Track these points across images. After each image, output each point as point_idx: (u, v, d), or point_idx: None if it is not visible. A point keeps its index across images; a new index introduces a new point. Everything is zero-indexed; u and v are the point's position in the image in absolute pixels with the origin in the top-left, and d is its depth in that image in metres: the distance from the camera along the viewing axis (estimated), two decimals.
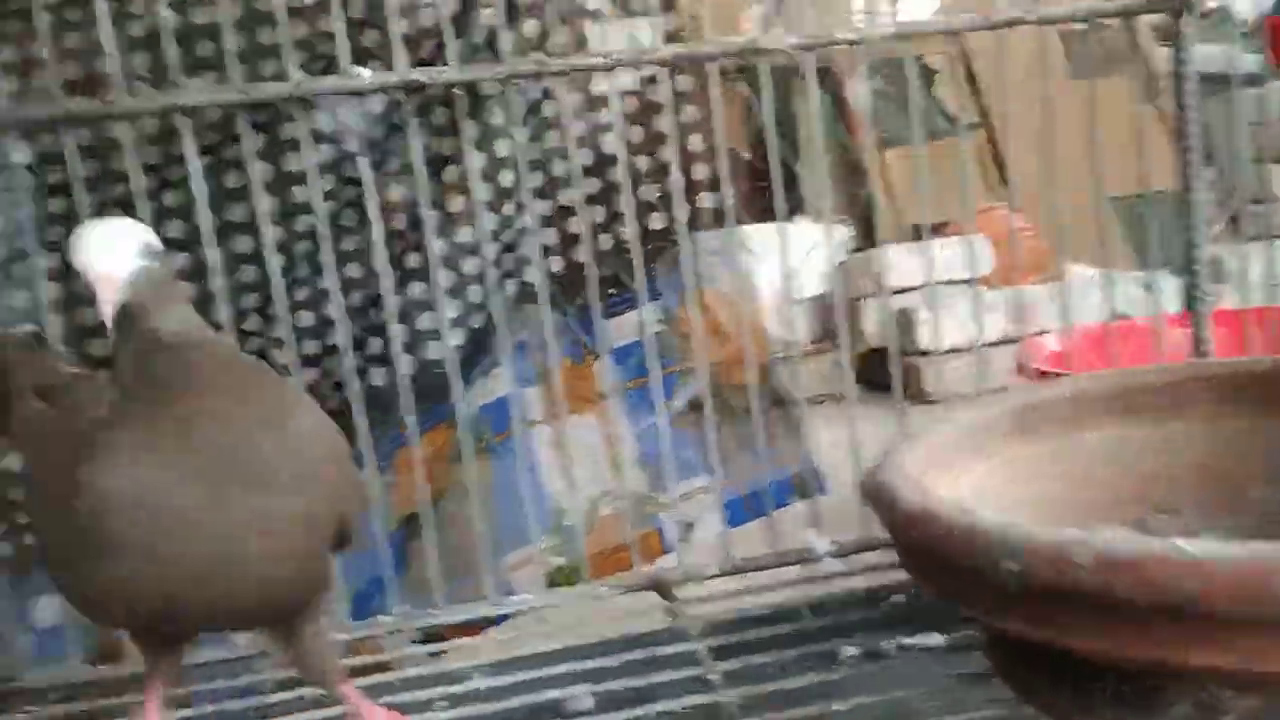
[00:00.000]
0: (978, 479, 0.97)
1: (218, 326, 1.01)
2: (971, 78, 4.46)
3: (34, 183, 1.07)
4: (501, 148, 1.35)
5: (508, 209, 1.39)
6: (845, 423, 1.26)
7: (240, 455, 0.71)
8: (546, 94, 1.36)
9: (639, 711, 0.95)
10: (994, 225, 4.09)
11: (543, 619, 1.30)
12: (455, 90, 1.11)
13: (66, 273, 1.25)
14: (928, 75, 4.41)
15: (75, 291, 1.12)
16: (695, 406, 1.52)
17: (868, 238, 4.43)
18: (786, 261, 1.55)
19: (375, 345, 1.36)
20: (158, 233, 0.76)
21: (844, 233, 4.30)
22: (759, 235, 1.83)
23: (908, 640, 1.11)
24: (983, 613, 0.74)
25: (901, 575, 1.22)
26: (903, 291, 3.67)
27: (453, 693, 1.03)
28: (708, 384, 1.30)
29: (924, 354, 3.74)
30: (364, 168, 1.06)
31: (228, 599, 0.75)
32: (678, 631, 1.08)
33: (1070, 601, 0.66)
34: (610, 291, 1.49)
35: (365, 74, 1.05)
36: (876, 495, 0.80)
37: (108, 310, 0.72)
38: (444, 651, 1.23)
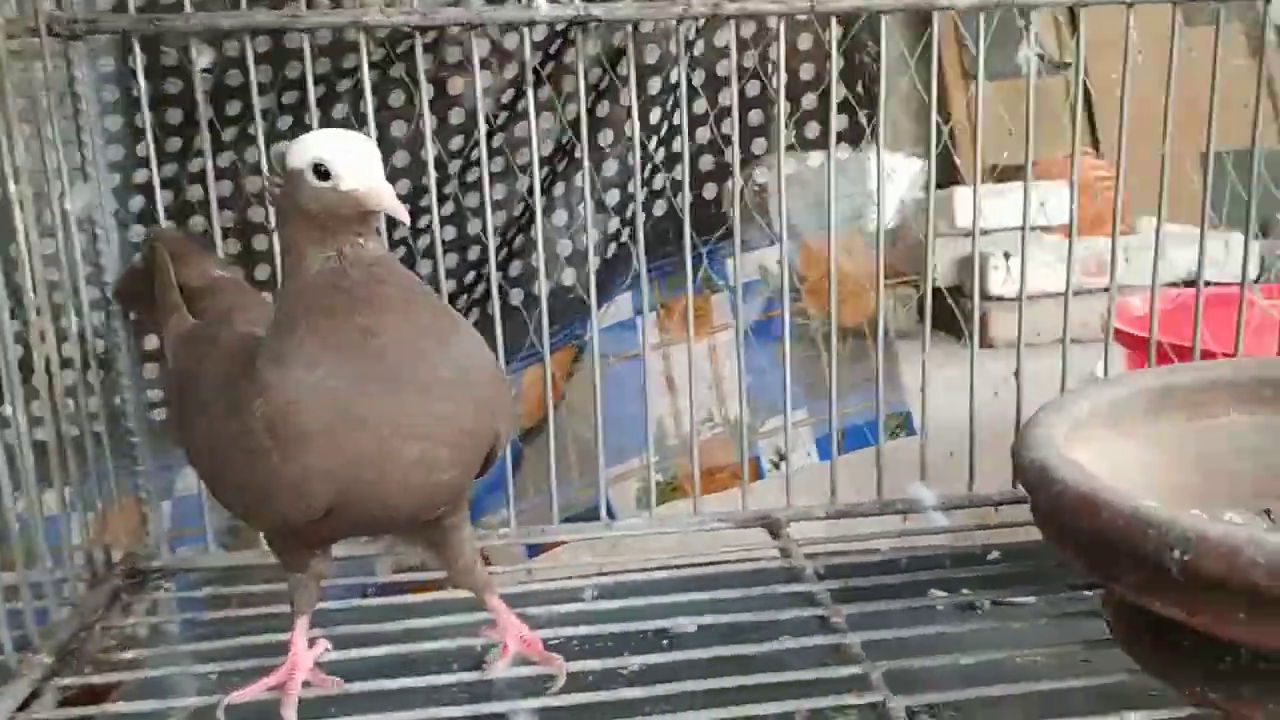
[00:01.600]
0: (1114, 456, 1.00)
1: None
2: (1073, 14, 4.34)
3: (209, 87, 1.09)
4: (653, 84, 1.37)
5: (651, 145, 1.41)
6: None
7: (417, 367, 0.76)
8: (698, 33, 1.37)
9: (765, 647, 0.99)
10: (1077, 172, 4.04)
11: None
12: (626, 25, 1.11)
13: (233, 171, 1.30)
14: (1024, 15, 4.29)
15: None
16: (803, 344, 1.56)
17: (947, 174, 4.35)
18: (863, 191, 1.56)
19: (515, 268, 1.40)
20: None
21: (917, 166, 4.24)
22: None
23: (1004, 598, 1.16)
24: (1133, 591, 0.77)
25: (1001, 534, 1.28)
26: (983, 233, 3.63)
27: (566, 612, 1.07)
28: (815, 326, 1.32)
29: (995, 299, 3.71)
30: (530, 95, 1.07)
31: (397, 495, 0.80)
32: (794, 571, 1.12)
33: (1233, 594, 0.69)
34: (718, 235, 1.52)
35: (542, 4, 1.06)
36: (1038, 473, 0.84)
37: (404, 213, 0.76)
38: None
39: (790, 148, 1.50)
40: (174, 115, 1.29)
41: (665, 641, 1.12)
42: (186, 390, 0.88)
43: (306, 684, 0.92)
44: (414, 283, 0.82)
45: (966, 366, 1.36)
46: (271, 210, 0.89)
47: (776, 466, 1.54)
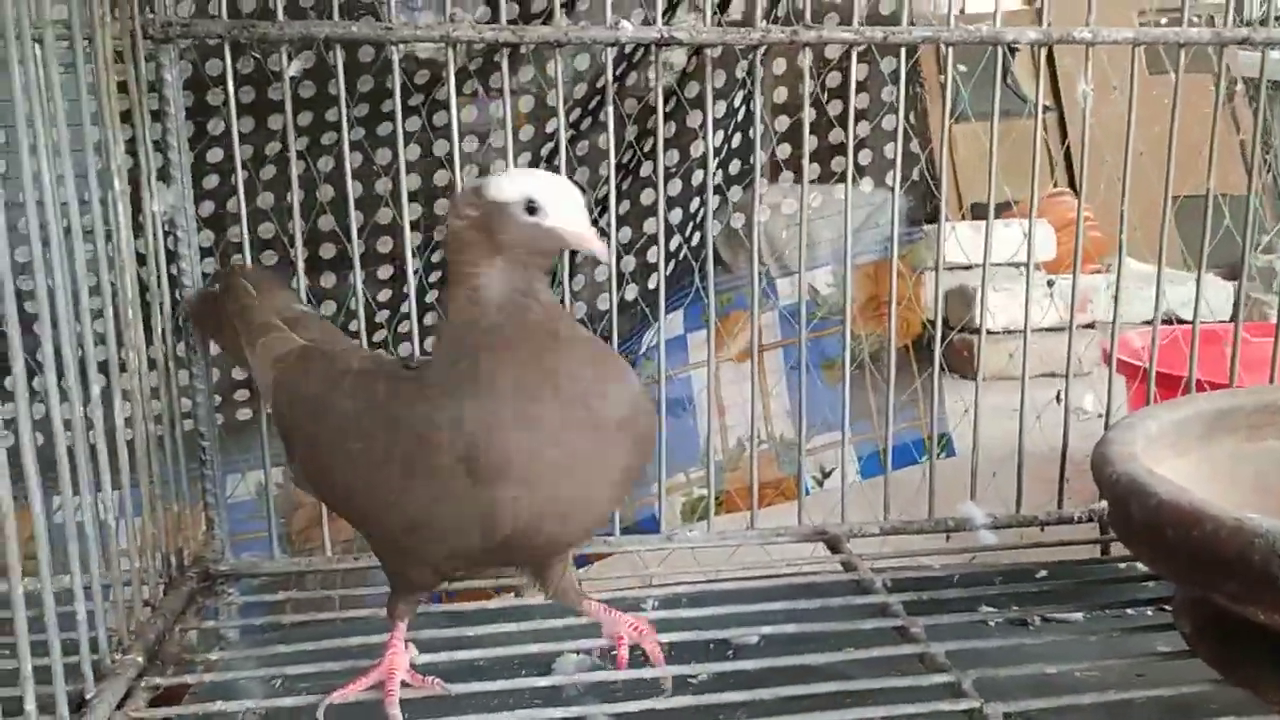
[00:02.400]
0: (1178, 475, 1.03)
1: None
2: (1051, 60, 4.47)
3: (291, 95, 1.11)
4: (719, 108, 1.40)
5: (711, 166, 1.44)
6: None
7: (602, 407, 0.80)
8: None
9: (841, 655, 1.02)
10: (1057, 212, 4.13)
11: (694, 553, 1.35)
12: (703, 50, 1.15)
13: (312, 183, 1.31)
14: (1007, 52, 4.42)
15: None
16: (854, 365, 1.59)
17: (929, 212, 4.44)
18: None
19: (577, 282, 1.42)
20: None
21: (902, 203, 4.32)
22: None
23: (1053, 614, 1.19)
24: (1233, 600, 0.81)
25: (1046, 553, 1.32)
26: (963, 269, 3.71)
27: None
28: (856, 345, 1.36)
29: (978, 332, 3.79)
30: (610, 111, 1.11)
31: (573, 530, 0.85)
32: (864, 584, 1.14)
33: None
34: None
35: (628, 26, 1.09)
36: (1128, 487, 0.87)
37: (604, 252, 0.83)
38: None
39: (820, 179, 1.55)
40: (246, 123, 1.30)
41: (730, 652, 1.15)
42: (320, 417, 0.89)
43: (405, 684, 0.92)
44: (578, 325, 0.88)
45: (965, 396, 1.42)
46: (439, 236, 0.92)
47: (820, 484, 1.57)
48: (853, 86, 1.17)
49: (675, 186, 1.44)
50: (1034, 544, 1.31)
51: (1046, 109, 4.53)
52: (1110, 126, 1.33)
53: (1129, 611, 1.15)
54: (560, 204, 0.80)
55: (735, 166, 1.49)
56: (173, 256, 1.12)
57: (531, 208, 0.80)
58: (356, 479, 0.85)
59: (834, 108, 1.36)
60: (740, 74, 1.18)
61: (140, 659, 0.94)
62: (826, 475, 1.58)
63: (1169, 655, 0.98)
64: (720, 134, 1.44)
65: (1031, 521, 1.32)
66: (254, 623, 1.14)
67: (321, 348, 0.96)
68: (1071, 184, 4.60)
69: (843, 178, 1.39)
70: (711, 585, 1.23)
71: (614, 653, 0.97)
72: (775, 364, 1.57)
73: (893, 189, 1.28)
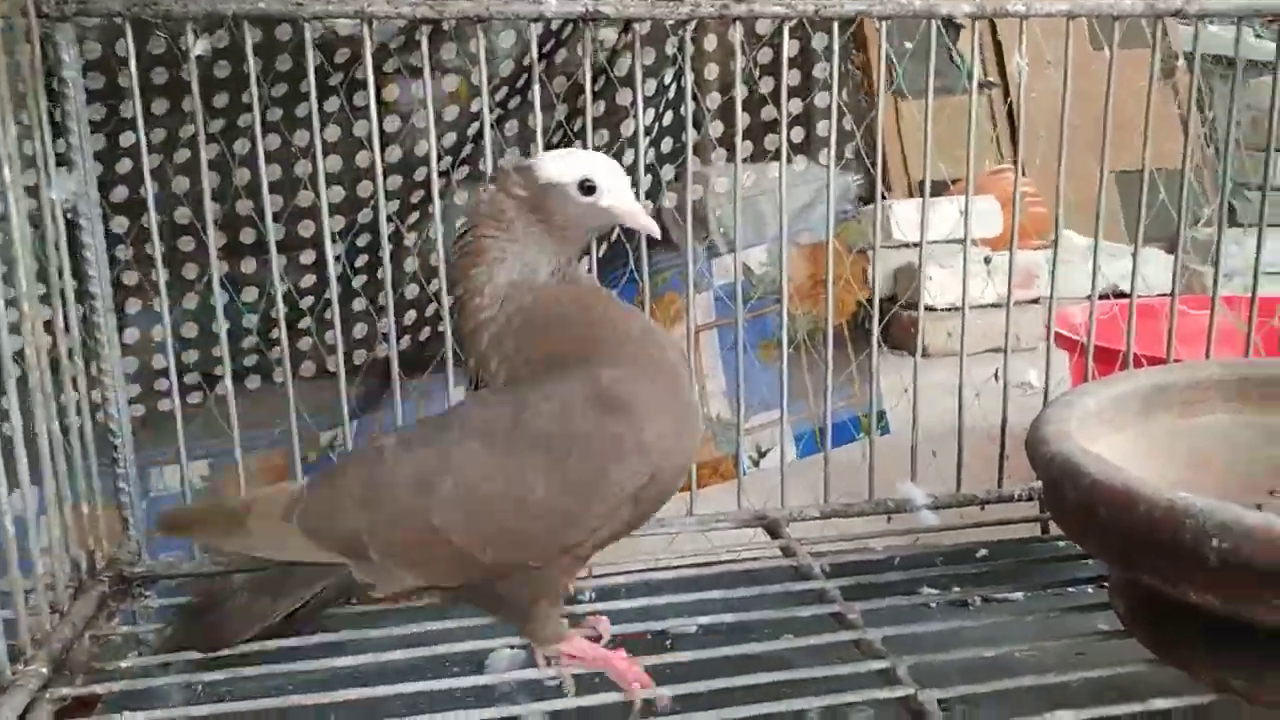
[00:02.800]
0: (1114, 451, 1.02)
1: None
2: (994, 34, 4.48)
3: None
4: (649, 86, 1.37)
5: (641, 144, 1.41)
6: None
7: (675, 362, 0.88)
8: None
9: (782, 644, 1.00)
10: (1001, 187, 4.14)
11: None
12: (631, 25, 1.11)
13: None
14: (952, 30, 4.43)
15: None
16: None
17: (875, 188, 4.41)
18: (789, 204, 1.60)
19: None
20: None
21: (851, 181, 4.33)
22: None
23: (994, 595, 1.19)
24: (1165, 580, 0.80)
25: (986, 533, 1.31)
26: (909, 246, 3.72)
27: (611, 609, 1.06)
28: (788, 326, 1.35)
29: (928, 309, 3.79)
30: (536, 90, 1.07)
31: (676, 480, 0.89)
32: (802, 569, 1.13)
33: (1271, 579, 0.72)
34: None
35: (553, 1, 1.05)
36: (1062, 467, 0.86)
37: (656, 230, 0.86)
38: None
39: (753, 157, 1.53)
40: (160, 105, 1.25)
41: (668, 642, 1.13)
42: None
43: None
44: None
45: (905, 374, 1.42)
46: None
47: (756, 464, 1.55)
48: (784, 62, 1.14)
49: None
50: (974, 524, 1.30)
51: (991, 84, 4.54)
52: (1049, 102, 1.31)
53: (1069, 590, 1.14)
54: (614, 183, 0.84)
55: (668, 144, 1.46)
56: (78, 245, 1.07)
57: (588, 187, 0.83)
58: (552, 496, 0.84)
59: (766, 84, 1.33)
60: (671, 50, 1.14)
61: (44, 669, 0.90)
62: (763, 455, 1.57)
63: (1107, 635, 0.97)
64: (651, 112, 1.41)
65: (972, 501, 1.31)
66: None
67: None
68: (1017, 160, 4.64)
69: (776, 155, 1.37)
70: (650, 574, 1.20)
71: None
72: (711, 345, 1.55)
73: (827, 166, 1.25)
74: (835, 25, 1.15)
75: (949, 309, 3.95)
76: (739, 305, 1.18)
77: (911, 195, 4.28)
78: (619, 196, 0.85)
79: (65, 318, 1.04)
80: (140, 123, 1.05)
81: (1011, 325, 1.40)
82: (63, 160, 1.05)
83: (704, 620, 1.07)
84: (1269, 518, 0.72)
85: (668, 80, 1.41)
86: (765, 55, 1.37)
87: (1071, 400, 1.01)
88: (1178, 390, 1.09)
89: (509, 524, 0.84)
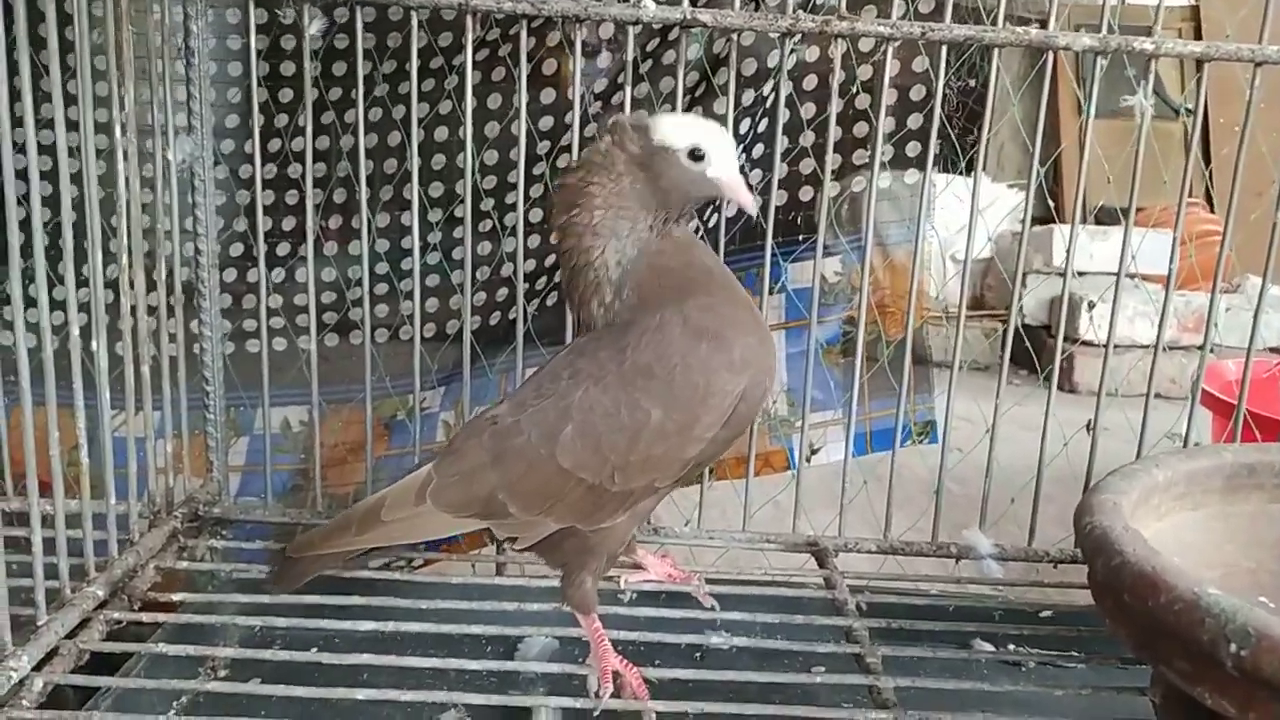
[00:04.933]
0: (1183, 530, 0.96)
1: None
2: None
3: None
4: (746, 96, 1.37)
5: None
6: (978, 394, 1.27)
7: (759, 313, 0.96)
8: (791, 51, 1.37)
9: (799, 677, 0.99)
10: (1187, 223, 3.89)
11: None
12: (731, 35, 1.10)
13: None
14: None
15: None
16: (846, 351, 1.59)
17: (1048, 209, 4.23)
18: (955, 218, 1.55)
19: None
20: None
21: (1018, 199, 4.16)
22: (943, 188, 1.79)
23: (1051, 660, 1.12)
24: (1182, 679, 0.74)
25: (1053, 593, 1.25)
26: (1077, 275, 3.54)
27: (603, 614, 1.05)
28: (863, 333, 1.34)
29: (1083, 343, 3.62)
30: (627, 89, 1.08)
31: (750, 416, 0.93)
32: (837, 603, 1.10)
33: None
34: (800, 237, 1.53)
35: (650, 5, 1.06)
36: (1097, 541, 0.81)
37: (753, 206, 0.89)
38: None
39: (885, 165, 1.49)
40: (288, 69, 1.33)
41: (698, 655, 1.12)
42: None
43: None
44: None
45: (1043, 407, 1.31)
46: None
47: (808, 460, 1.56)
48: (886, 80, 1.11)
49: None
50: (1047, 584, 1.24)
51: (1188, 111, 4.25)
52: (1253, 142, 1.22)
53: (1121, 668, 1.07)
54: (723, 155, 0.86)
55: (758, 150, 1.46)
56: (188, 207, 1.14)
57: (697, 155, 0.86)
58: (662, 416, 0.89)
59: (863, 100, 1.30)
60: (774, 62, 1.13)
61: (100, 592, 0.97)
62: (815, 452, 1.57)
63: None
64: (747, 121, 1.40)
65: (1043, 557, 1.24)
66: (240, 567, 1.16)
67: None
68: (1209, 197, 4.32)
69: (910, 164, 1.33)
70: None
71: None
72: (779, 344, 1.56)
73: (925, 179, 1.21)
74: (944, 48, 1.11)
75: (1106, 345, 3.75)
76: (813, 309, 1.18)
77: (1086, 223, 4.08)
78: (725, 169, 0.87)
79: (171, 256, 1.12)
80: (254, 88, 1.12)
81: (1173, 371, 1.32)
82: (184, 123, 1.13)
83: (739, 641, 1.06)
84: None
85: (766, 91, 1.40)
86: (866, 71, 1.35)
87: (1137, 470, 0.94)
88: (1272, 472, 1.00)
89: (632, 451, 0.89)
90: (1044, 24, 1.11)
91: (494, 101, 1.39)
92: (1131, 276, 1.68)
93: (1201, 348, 1.31)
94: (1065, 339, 2.68)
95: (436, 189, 1.44)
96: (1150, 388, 1.32)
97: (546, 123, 1.41)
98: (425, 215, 1.43)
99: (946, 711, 0.91)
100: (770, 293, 1.50)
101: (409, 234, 1.15)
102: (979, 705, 0.96)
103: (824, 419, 1.56)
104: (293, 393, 1.34)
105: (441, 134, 1.39)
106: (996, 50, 1.11)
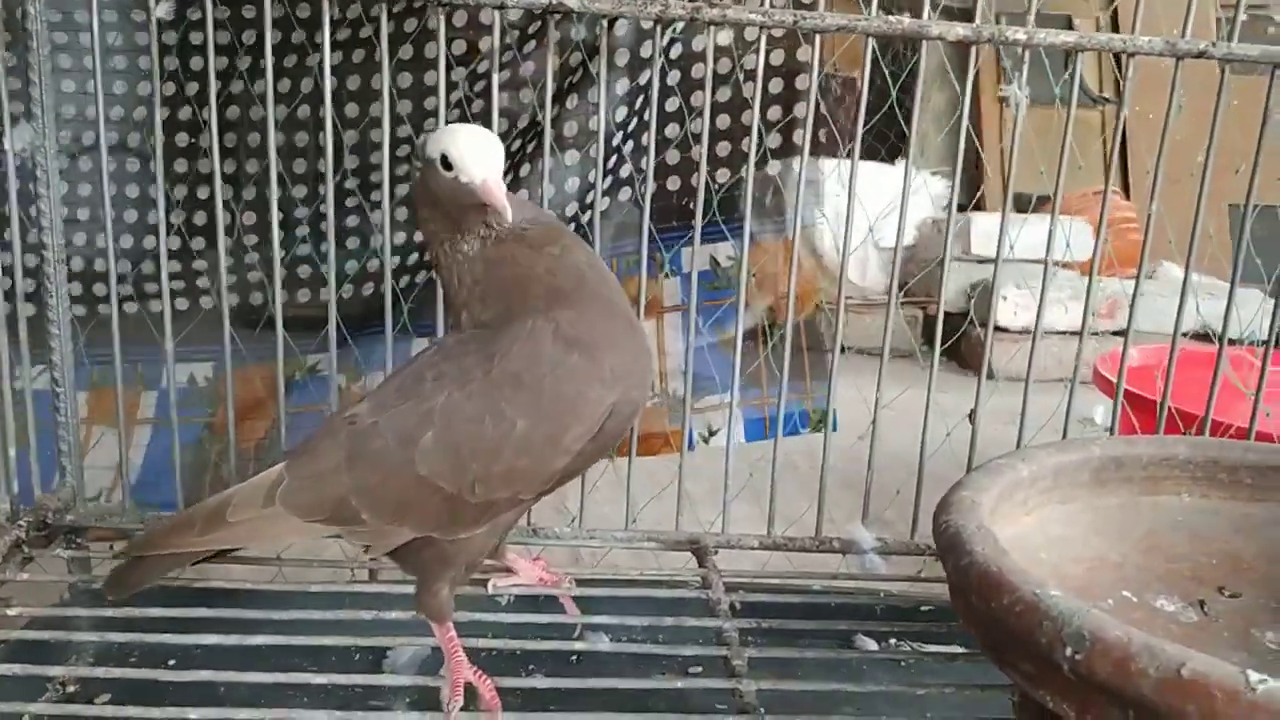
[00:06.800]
0: (1050, 524, 0.95)
1: None
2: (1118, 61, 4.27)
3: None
4: (621, 85, 1.34)
5: (617, 138, 1.39)
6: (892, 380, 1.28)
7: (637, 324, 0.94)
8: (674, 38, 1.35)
9: (672, 682, 0.97)
10: (1098, 210, 3.96)
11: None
12: (601, 21, 1.07)
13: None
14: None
15: None
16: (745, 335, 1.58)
17: (971, 197, 4.25)
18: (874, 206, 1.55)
19: None
20: None
21: (941, 187, 4.18)
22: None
23: (929, 655, 1.11)
24: (1024, 679, 0.73)
25: (935, 587, 1.23)
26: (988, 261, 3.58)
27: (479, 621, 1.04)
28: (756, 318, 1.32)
29: (1001, 330, 3.65)
30: (494, 77, 1.05)
31: (629, 420, 0.91)
32: (710, 604, 1.08)
33: (1121, 701, 0.65)
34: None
35: None
36: (950, 541, 0.79)
37: (505, 211, 0.84)
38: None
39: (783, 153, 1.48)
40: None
41: (574, 660, 1.10)
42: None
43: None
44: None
45: (960, 394, 1.34)
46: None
47: (706, 441, 1.55)
48: (760, 69, 1.09)
49: (574, 156, 1.40)
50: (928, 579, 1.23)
51: (1105, 100, 4.31)
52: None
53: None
54: (473, 159, 0.83)
55: (646, 138, 1.45)
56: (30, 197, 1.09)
57: (447, 163, 0.83)
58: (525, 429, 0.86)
59: (749, 89, 1.29)
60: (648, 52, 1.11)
61: None
62: (713, 434, 1.56)
63: None
64: (624, 108, 1.38)
65: (924, 550, 1.23)
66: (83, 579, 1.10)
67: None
68: (1125, 186, 4.39)
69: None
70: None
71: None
72: (674, 326, 1.55)
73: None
74: (817, 38, 1.08)
75: (1022, 331, 3.79)
76: (693, 294, 1.17)
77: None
78: (477, 173, 0.83)
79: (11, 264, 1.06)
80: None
81: (1089, 356, 1.33)
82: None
83: (615, 646, 1.03)
84: (1128, 633, 0.65)
85: (642, 81, 1.37)
86: (751, 61, 1.33)
87: (1003, 466, 0.93)
88: (1139, 465, 1.00)
89: (495, 462, 0.85)
90: (969, 14, 1.09)
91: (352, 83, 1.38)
92: (1055, 264, 1.69)
93: (1118, 333, 1.31)
94: (984, 325, 2.71)
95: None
96: (1075, 374, 1.33)
97: (430, 103, 1.40)
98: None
99: (811, 713, 0.90)
100: (667, 276, 1.49)
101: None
102: (846, 705, 0.94)
103: (721, 401, 1.54)
104: (199, 349, 1.35)
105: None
106: (924, 42, 1.09)
